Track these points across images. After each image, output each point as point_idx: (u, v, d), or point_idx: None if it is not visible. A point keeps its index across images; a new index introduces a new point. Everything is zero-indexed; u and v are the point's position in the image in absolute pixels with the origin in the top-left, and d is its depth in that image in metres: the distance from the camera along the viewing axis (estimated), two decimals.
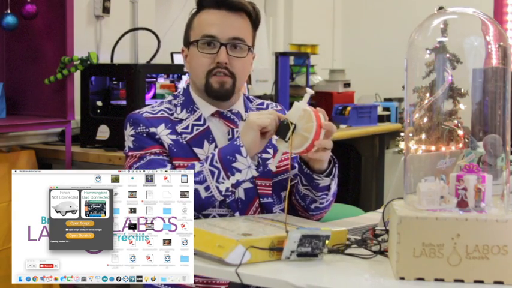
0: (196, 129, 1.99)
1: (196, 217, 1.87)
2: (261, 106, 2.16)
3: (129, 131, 2.00)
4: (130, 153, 1.99)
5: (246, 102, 2.11)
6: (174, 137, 1.98)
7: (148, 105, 2.12)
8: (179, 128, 2.00)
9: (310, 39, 5.35)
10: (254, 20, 2.06)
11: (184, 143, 1.97)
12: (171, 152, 1.96)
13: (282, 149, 1.86)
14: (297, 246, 1.60)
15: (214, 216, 1.95)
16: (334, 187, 2.01)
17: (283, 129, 1.83)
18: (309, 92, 1.86)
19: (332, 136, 1.85)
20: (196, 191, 1.84)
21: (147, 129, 1.97)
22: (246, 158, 1.85)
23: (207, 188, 1.86)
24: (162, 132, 1.98)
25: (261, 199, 2.01)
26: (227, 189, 1.87)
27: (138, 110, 2.04)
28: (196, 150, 1.97)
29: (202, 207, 1.89)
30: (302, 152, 1.83)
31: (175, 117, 2.01)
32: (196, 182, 1.84)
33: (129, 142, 2.00)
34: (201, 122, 2.01)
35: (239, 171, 1.86)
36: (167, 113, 2.02)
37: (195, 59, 2.01)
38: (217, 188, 1.86)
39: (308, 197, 1.99)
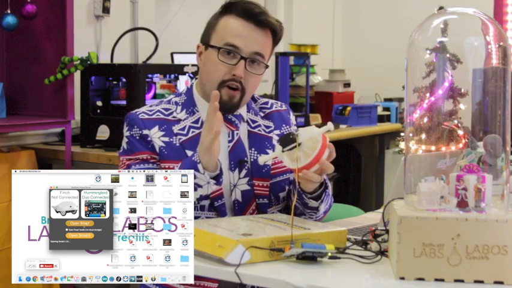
0: (192, 132, 1.99)
1: None
2: (265, 106, 2.15)
3: (125, 132, 2.03)
4: (121, 157, 2.02)
5: (249, 103, 2.10)
6: (166, 139, 1.99)
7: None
8: (176, 128, 2.00)
9: (310, 39, 5.34)
10: (277, 39, 2.05)
11: (178, 144, 1.98)
12: (161, 155, 1.97)
13: (276, 153, 1.84)
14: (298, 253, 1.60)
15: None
16: (324, 208, 1.99)
17: (286, 140, 1.80)
18: (330, 126, 1.80)
19: (324, 174, 1.84)
20: None
21: (141, 131, 1.99)
22: (203, 174, 1.85)
23: None
24: (155, 134, 1.99)
25: (257, 200, 2.00)
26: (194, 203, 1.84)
27: (136, 110, 2.05)
28: (188, 152, 1.96)
29: None
30: (288, 168, 1.82)
31: (173, 117, 2.02)
32: None
33: (123, 143, 2.03)
34: (198, 125, 2.01)
35: (200, 186, 1.87)
36: (163, 114, 2.02)
37: (212, 63, 1.99)
38: None
39: (298, 208, 1.99)
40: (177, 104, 2.05)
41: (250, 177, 2.00)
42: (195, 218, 1.90)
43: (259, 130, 2.07)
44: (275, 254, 1.61)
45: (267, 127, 2.09)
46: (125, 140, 2.02)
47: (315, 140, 1.78)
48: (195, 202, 1.87)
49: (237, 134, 2.02)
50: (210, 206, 1.94)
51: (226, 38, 1.98)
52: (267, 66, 2.03)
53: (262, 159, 1.90)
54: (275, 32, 2.02)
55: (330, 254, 1.60)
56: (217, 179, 1.88)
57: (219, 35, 2.00)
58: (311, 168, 1.78)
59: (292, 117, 2.18)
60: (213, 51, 1.99)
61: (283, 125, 2.13)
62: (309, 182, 1.85)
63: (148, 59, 3.69)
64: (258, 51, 1.99)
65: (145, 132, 1.99)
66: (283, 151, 1.80)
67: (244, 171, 2.00)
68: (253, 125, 2.07)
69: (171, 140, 1.99)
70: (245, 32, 1.98)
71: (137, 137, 1.99)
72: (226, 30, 1.99)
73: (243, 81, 1.98)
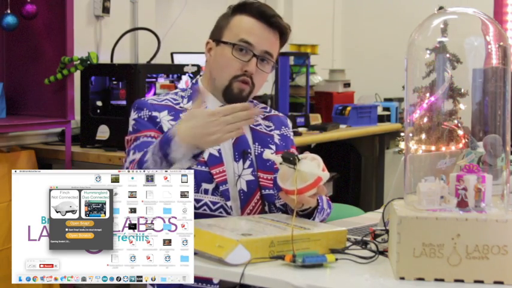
0: None
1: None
2: (264, 109, 2.21)
3: (132, 116, 2.05)
4: (127, 138, 2.03)
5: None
6: (174, 123, 1.99)
7: None
8: (183, 115, 2.02)
9: (310, 39, 5.34)
10: (284, 41, 2.13)
11: None
12: None
13: (276, 160, 1.83)
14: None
15: (205, 203, 1.98)
16: (318, 220, 1.99)
17: (288, 157, 1.80)
18: (326, 176, 1.79)
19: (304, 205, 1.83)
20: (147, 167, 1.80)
21: (150, 113, 2.02)
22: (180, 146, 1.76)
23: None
24: (164, 117, 2.02)
25: (262, 191, 2.04)
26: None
27: (143, 98, 2.10)
28: None
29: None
30: (281, 187, 1.81)
31: (180, 107, 2.06)
32: (144, 167, 1.79)
33: (130, 126, 2.05)
34: None
35: (178, 161, 1.76)
36: (172, 103, 2.07)
37: (225, 59, 2.04)
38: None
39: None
40: (183, 97, 2.10)
41: (254, 168, 2.05)
42: (198, 201, 1.95)
43: (260, 128, 2.13)
44: (275, 253, 1.61)
45: (268, 126, 2.15)
46: (131, 123, 2.04)
47: (309, 177, 1.77)
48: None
49: None
50: (214, 190, 1.98)
51: (240, 34, 2.04)
52: (274, 65, 2.09)
53: (267, 154, 1.87)
54: (283, 35, 2.10)
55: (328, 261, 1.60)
56: (198, 155, 1.80)
57: (233, 32, 2.06)
58: (289, 195, 1.78)
59: (290, 124, 2.24)
60: (226, 47, 2.05)
61: (283, 127, 2.19)
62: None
63: (151, 59, 3.70)
64: (268, 51, 2.06)
65: (154, 114, 2.02)
66: (280, 163, 1.81)
67: (248, 162, 2.05)
68: (254, 123, 2.12)
69: None
70: (258, 31, 2.05)
71: (145, 118, 2.02)
72: (240, 27, 2.05)
73: (253, 77, 2.04)
